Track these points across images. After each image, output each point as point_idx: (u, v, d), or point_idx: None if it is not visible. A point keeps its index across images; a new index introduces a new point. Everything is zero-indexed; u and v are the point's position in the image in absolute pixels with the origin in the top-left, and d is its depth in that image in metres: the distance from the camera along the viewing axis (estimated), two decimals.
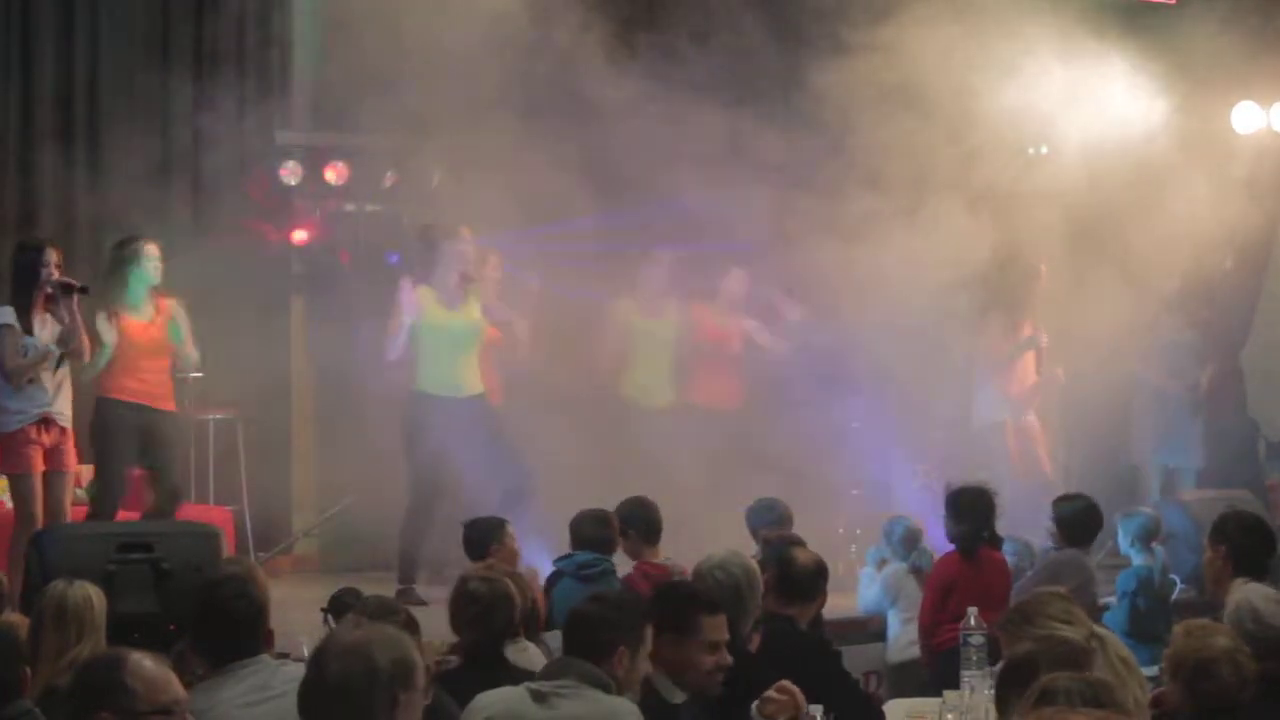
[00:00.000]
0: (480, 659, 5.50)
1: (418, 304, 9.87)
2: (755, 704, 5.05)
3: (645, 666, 4.99)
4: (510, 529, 7.70)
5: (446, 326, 9.92)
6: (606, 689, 4.77)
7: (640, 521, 8.07)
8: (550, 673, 4.90)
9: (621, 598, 5.17)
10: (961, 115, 10.40)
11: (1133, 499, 10.91)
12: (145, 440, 9.18)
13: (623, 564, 8.07)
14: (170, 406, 9.44)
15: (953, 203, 10.49)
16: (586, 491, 8.52)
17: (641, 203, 10.86)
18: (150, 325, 9.26)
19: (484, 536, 7.61)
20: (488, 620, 5.60)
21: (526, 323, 10.52)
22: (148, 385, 9.23)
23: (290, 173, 11.58)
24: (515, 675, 5.31)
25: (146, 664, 3.70)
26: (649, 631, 4.98)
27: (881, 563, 9.10)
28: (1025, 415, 11.20)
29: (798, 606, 6.35)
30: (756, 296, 11.53)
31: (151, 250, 9.19)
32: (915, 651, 8.41)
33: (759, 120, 10.63)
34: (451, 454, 9.67)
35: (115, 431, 9.12)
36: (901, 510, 9.63)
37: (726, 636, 5.25)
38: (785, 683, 5.06)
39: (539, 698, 4.77)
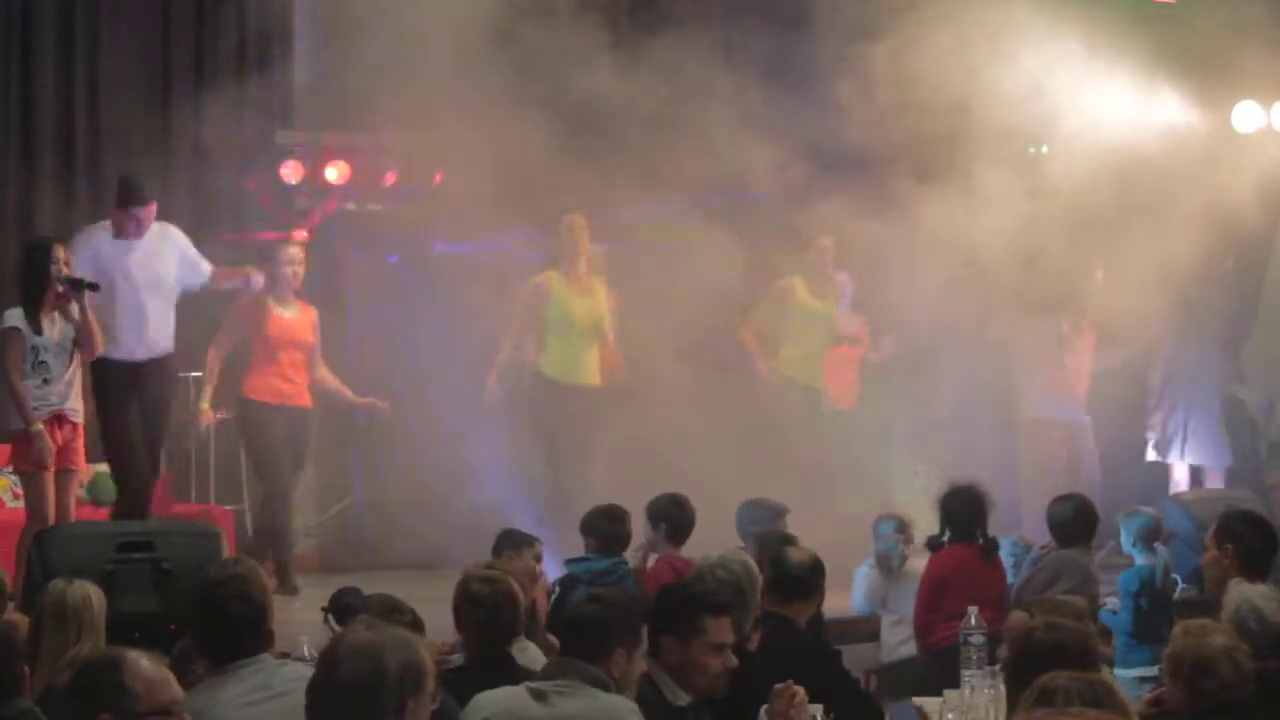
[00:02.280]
0: (485, 659, 5.50)
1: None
2: (764, 708, 5.06)
3: (641, 666, 4.98)
4: (539, 548, 7.69)
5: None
6: (605, 688, 4.78)
7: (668, 518, 8.03)
8: (549, 672, 4.91)
9: (620, 599, 5.15)
10: (962, 112, 10.42)
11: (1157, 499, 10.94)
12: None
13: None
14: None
15: (952, 197, 10.53)
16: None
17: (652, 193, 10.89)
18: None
19: (504, 546, 7.63)
20: (492, 621, 5.59)
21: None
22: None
23: (290, 172, 11.59)
24: (520, 676, 5.31)
25: (144, 664, 3.69)
26: (645, 632, 4.98)
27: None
28: (1076, 414, 11.28)
29: (795, 605, 6.33)
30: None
31: None
32: (905, 652, 8.41)
33: (763, 110, 10.68)
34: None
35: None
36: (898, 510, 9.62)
37: (732, 638, 5.23)
38: (789, 683, 5.07)
39: (538, 696, 4.77)
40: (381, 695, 3.57)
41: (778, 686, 5.07)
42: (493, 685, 4.96)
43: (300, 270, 10.33)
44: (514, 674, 5.35)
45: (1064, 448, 11.26)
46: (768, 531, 7.79)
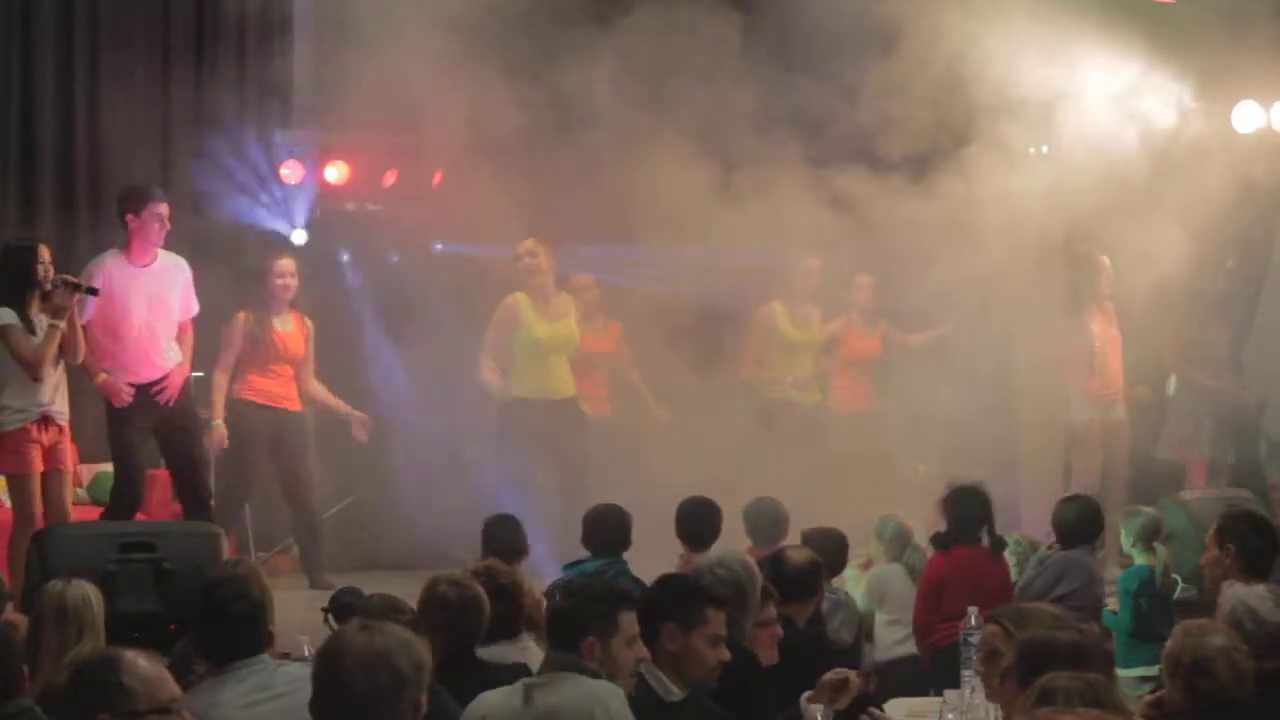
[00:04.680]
0: (450, 660, 5.50)
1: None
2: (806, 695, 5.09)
3: (628, 654, 4.98)
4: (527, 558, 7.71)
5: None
6: (594, 676, 4.80)
7: (690, 522, 7.98)
8: (542, 669, 4.96)
9: (588, 589, 5.17)
10: (961, 111, 10.44)
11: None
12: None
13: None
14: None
15: (954, 189, 10.56)
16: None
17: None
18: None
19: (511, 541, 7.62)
20: (455, 624, 5.59)
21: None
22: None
23: (290, 172, 11.58)
24: (487, 675, 5.33)
25: (141, 663, 3.70)
26: (625, 619, 4.98)
27: (867, 562, 9.07)
28: (1113, 413, 11.32)
29: (795, 605, 6.35)
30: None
31: None
32: (901, 651, 8.41)
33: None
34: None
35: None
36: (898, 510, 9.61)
37: (725, 632, 5.28)
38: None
39: (526, 691, 4.83)
40: (400, 701, 3.60)
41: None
42: (457, 686, 5.00)
43: (293, 282, 10.34)
44: (481, 674, 5.36)
45: (1102, 448, 11.29)
46: (817, 532, 7.83)
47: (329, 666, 3.66)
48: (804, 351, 11.57)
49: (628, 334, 11.46)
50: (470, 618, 5.61)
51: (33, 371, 8.56)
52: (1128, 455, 11.39)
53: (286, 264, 10.38)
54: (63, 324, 8.58)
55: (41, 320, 8.64)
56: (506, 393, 10.65)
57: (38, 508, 8.57)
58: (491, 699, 4.85)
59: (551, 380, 10.73)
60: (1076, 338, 11.23)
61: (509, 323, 10.69)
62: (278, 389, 10.37)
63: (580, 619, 4.93)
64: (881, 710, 5.48)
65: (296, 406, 10.47)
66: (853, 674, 5.24)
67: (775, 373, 11.50)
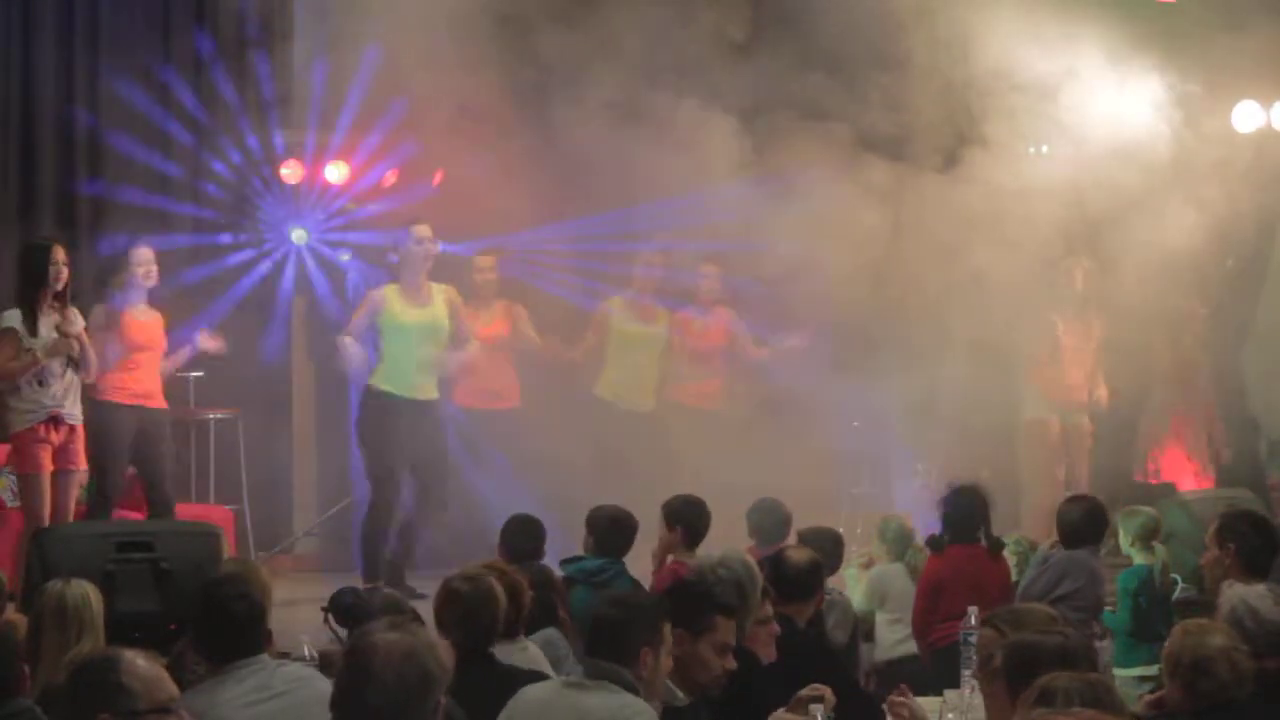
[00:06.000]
0: (467, 658, 5.50)
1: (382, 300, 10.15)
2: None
3: (668, 664, 5.00)
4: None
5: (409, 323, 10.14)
6: (632, 689, 4.82)
7: (684, 520, 7.93)
8: (585, 672, 4.96)
9: (641, 600, 5.18)
10: (961, 111, 10.46)
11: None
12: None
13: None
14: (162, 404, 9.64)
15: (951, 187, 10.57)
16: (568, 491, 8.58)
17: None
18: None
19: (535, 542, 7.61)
20: (472, 621, 5.59)
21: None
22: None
23: (290, 172, 11.58)
24: (502, 674, 5.33)
25: (140, 663, 3.70)
26: (667, 630, 4.99)
27: (868, 562, 9.07)
28: (1074, 417, 11.27)
29: (795, 605, 6.35)
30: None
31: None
32: (903, 650, 8.41)
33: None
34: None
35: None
36: (898, 509, 9.62)
37: (734, 641, 5.27)
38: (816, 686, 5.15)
39: (567, 688, 4.88)
40: (427, 701, 3.63)
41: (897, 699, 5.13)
42: (474, 684, 4.99)
43: (153, 270, 9.70)
44: (497, 673, 5.36)
45: (1061, 448, 11.25)
46: (813, 532, 7.81)
47: (358, 663, 3.67)
48: (641, 347, 11.36)
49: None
50: (485, 614, 5.60)
51: (12, 378, 8.57)
52: (1089, 462, 11.32)
53: (145, 253, 9.70)
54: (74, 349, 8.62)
55: (49, 320, 8.65)
56: (362, 359, 10.31)
57: (47, 508, 8.56)
58: (530, 692, 4.91)
59: (412, 377, 10.23)
60: (1040, 336, 11.21)
61: (374, 311, 10.28)
62: (139, 387, 9.66)
63: (633, 629, 4.92)
64: (909, 696, 5.48)
65: (161, 404, 9.81)
66: (828, 690, 5.23)
67: (607, 369, 11.36)
